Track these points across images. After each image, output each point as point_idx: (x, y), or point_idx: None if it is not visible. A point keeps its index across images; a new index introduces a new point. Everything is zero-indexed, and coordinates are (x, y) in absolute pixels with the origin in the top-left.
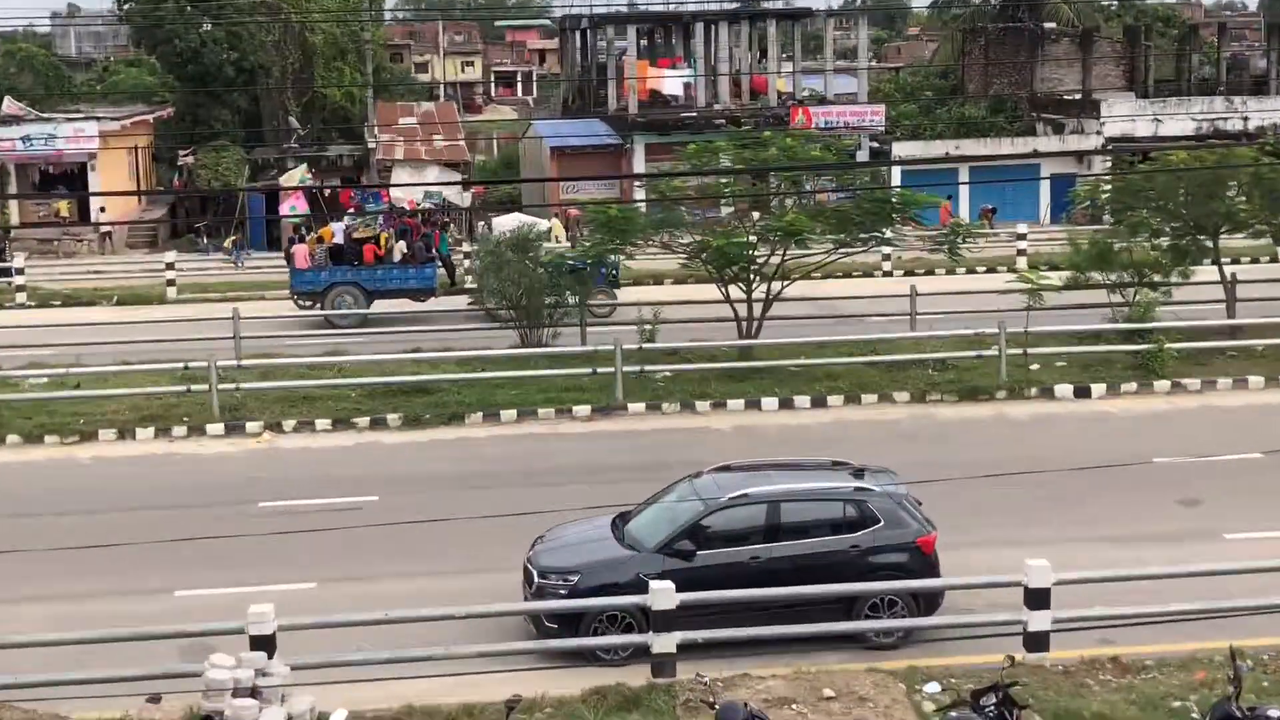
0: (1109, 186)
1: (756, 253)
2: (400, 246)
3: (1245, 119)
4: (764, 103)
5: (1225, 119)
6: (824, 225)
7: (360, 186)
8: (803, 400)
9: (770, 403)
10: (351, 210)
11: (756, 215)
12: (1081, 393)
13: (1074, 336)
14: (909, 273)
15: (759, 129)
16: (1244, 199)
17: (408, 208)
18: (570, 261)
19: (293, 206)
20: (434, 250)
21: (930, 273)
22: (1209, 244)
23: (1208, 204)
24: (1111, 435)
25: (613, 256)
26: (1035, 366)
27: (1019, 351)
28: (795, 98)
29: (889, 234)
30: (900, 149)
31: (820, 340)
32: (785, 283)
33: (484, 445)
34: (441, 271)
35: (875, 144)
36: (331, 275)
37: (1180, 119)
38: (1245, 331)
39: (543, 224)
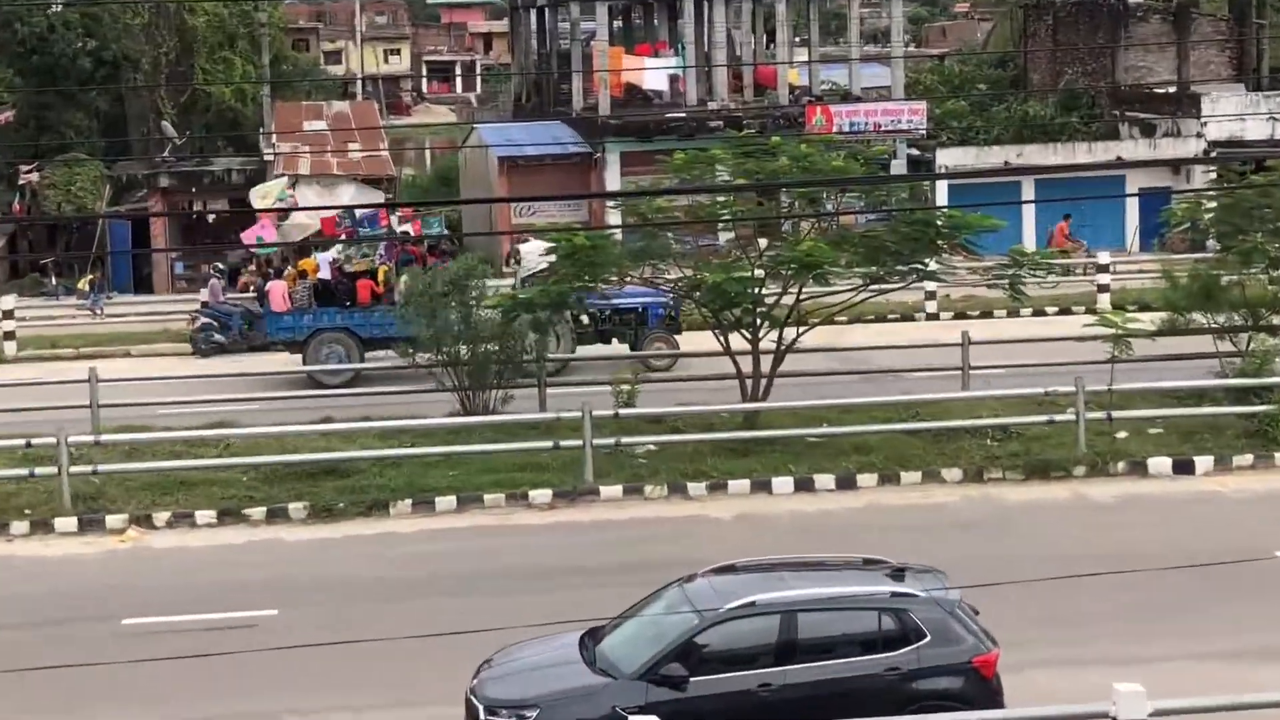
0: (1214, 204)
1: (764, 291)
2: (404, 283)
3: None
4: (772, 100)
5: None
6: (850, 255)
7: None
8: (825, 480)
9: (783, 483)
10: (343, 238)
11: (764, 243)
12: (1182, 468)
13: (1172, 396)
14: (959, 315)
15: (766, 133)
16: None
17: (411, 233)
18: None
19: (259, 238)
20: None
21: (987, 315)
22: None
23: None
24: (1221, 522)
25: (667, 292)
26: (1122, 435)
27: (1101, 416)
28: (812, 93)
29: (933, 266)
30: (946, 157)
31: (847, 403)
32: (802, 329)
33: (414, 542)
34: None
35: (915, 151)
36: (316, 319)
37: None
38: None
39: None
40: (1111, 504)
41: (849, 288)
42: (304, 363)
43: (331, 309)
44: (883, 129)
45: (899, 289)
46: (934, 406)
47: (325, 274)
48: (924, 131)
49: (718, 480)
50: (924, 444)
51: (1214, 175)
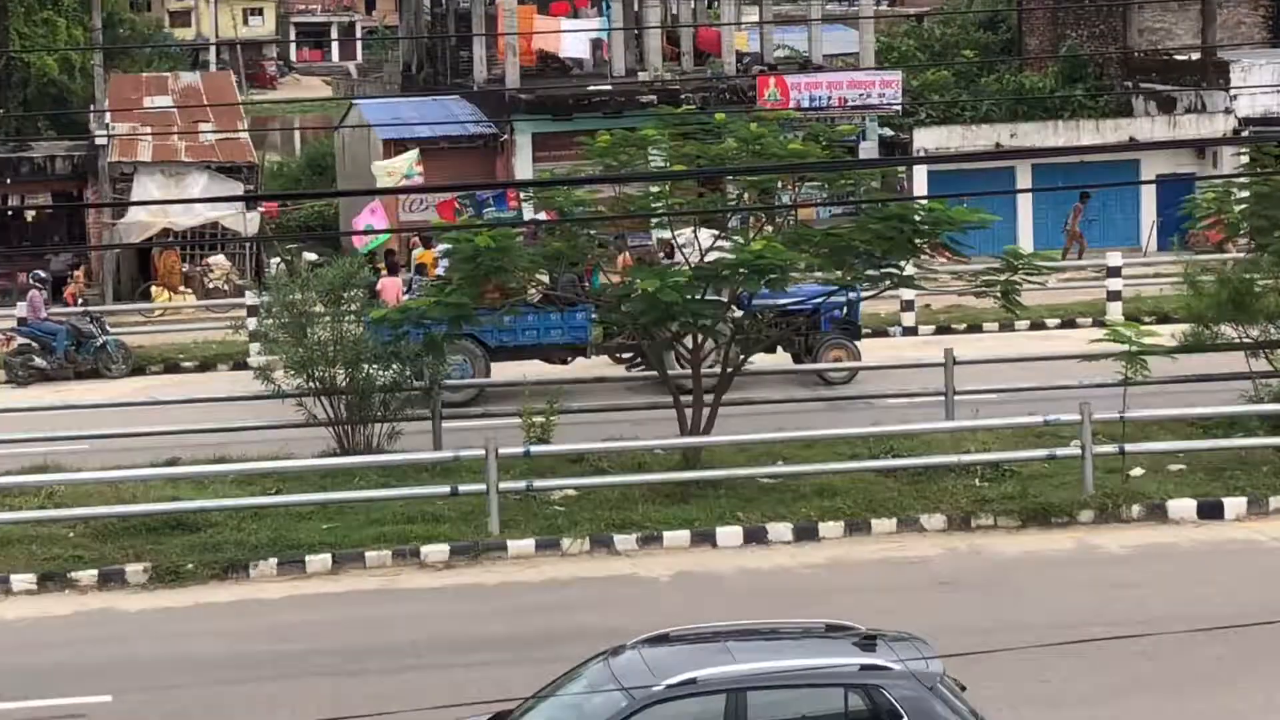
0: (1245, 193)
1: (708, 300)
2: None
3: None
4: (716, 69)
5: None
6: (811, 257)
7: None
8: (781, 530)
9: (730, 534)
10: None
11: (706, 242)
12: (1210, 511)
13: (1196, 425)
14: (943, 330)
15: (708, 109)
16: None
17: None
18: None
19: (368, 225)
20: (585, 285)
21: (975, 329)
22: None
23: None
24: (1257, 576)
25: (849, 291)
26: (1138, 471)
27: (1112, 449)
28: (764, 61)
29: (910, 270)
30: (926, 138)
31: (807, 436)
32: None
33: (281, 611)
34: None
35: (888, 131)
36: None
37: None
38: None
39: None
40: (1125, 556)
41: (806, 300)
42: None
43: None
44: (849, 104)
45: (870, 298)
46: (912, 440)
47: (442, 269)
48: (899, 107)
49: (651, 531)
50: (900, 485)
51: (1246, 159)
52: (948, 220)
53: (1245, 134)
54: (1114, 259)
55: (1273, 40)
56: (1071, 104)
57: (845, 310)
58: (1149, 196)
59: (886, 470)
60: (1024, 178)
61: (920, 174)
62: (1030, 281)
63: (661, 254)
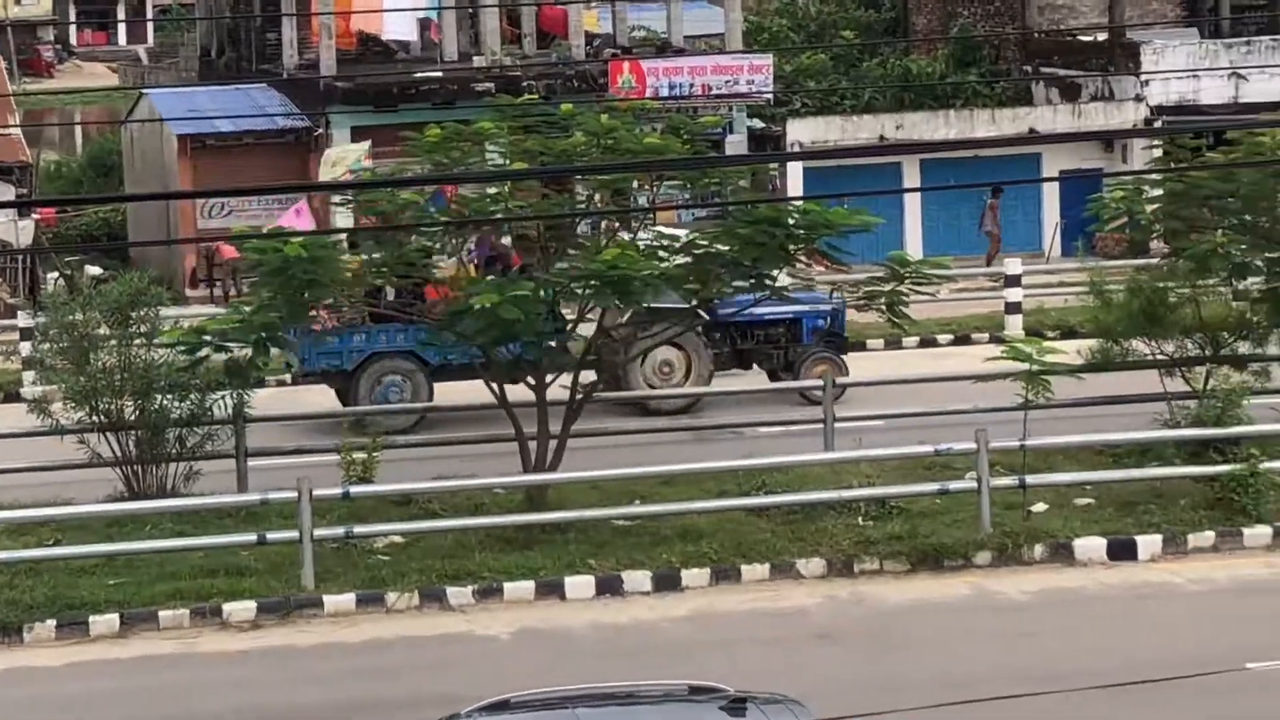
0: (1159, 191)
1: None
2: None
3: None
4: (562, 53)
5: None
6: (673, 267)
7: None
8: (638, 578)
9: (580, 584)
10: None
11: (553, 251)
12: (1121, 550)
13: (1106, 453)
14: None
15: (554, 99)
16: None
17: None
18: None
19: (292, 228)
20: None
21: (858, 347)
22: None
23: None
24: (1174, 624)
25: (831, 297)
26: (1041, 507)
27: (1012, 482)
28: (617, 44)
29: (784, 280)
30: (801, 130)
31: (669, 471)
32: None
33: (61, 680)
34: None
35: (758, 122)
36: (371, 341)
37: (1278, 74)
38: None
39: None
40: (1027, 602)
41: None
42: (351, 399)
43: (391, 327)
44: (714, 92)
45: (739, 312)
46: (787, 474)
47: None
48: (770, 96)
49: (489, 582)
50: (774, 526)
51: (1159, 152)
52: (825, 223)
53: (1158, 124)
54: (1013, 266)
55: (1188, 19)
56: (964, 91)
57: (830, 320)
58: (1052, 195)
59: (758, 509)
60: (911, 174)
61: (794, 171)
62: (919, 292)
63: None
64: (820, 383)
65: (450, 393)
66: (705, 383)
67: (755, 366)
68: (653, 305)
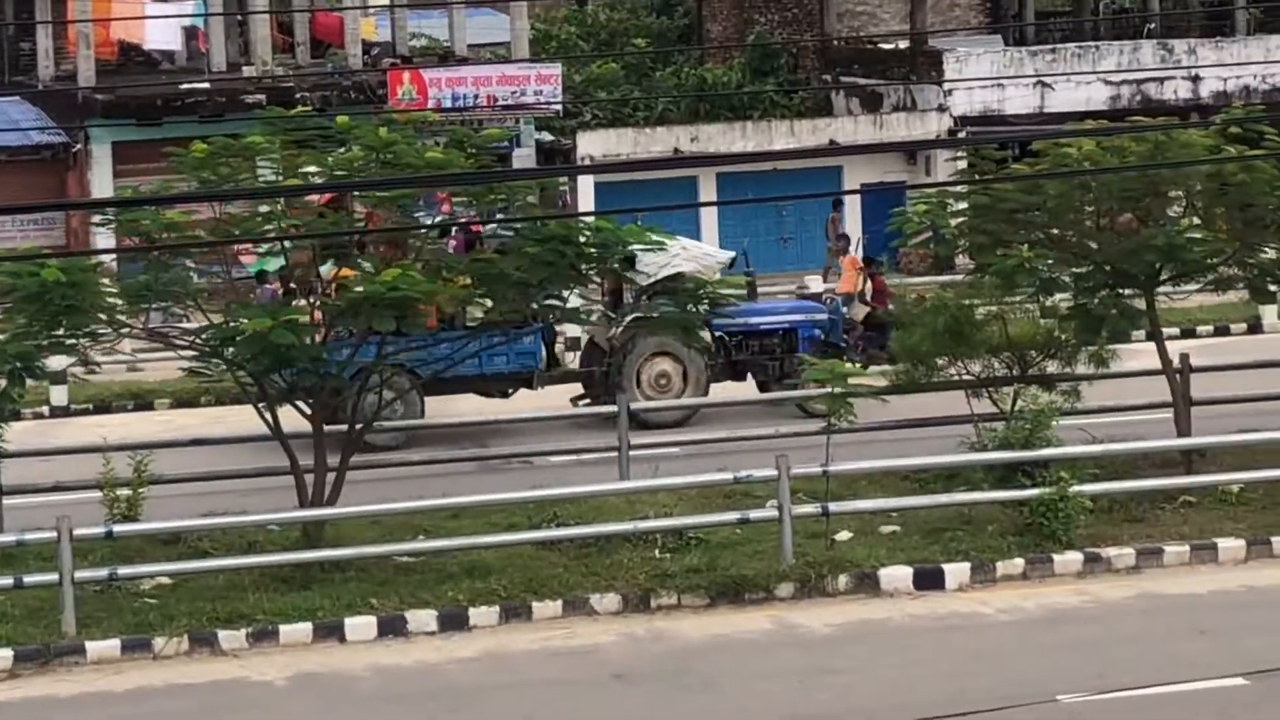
0: (963, 205)
1: (334, 346)
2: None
3: (1195, 79)
4: (338, 63)
5: (1161, 81)
6: (457, 288)
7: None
8: (423, 618)
9: (361, 625)
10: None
11: (329, 272)
12: (928, 579)
13: (912, 478)
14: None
15: (329, 111)
16: (1197, 220)
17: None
18: None
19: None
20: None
21: None
22: (1141, 304)
23: (1135, 233)
24: (983, 655)
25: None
26: (844, 536)
27: (815, 510)
28: (398, 53)
29: (576, 301)
30: (592, 143)
31: (455, 503)
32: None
33: None
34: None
35: (547, 135)
36: (363, 353)
37: (1084, 82)
38: (1209, 458)
39: (723, 255)
40: (831, 636)
41: (457, 335)
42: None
43: (380, 337)
44: (500, 103)
45: (528, 334)
46: (580, 505)
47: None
48: (559, 107)
49: (264, 625)
50: (566, 560)
51: (963, 164)
52: (618, 241)
53: (962, 135)
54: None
55: (991, 26)
56: (762, 102)
57: (826, 330)
58: (853, 209)
59: (549, 542)
60: (708, 188)
61: (586, 186)
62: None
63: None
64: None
65: None
66: (703, 394)
67: (749, 377)
68: (650, 316)
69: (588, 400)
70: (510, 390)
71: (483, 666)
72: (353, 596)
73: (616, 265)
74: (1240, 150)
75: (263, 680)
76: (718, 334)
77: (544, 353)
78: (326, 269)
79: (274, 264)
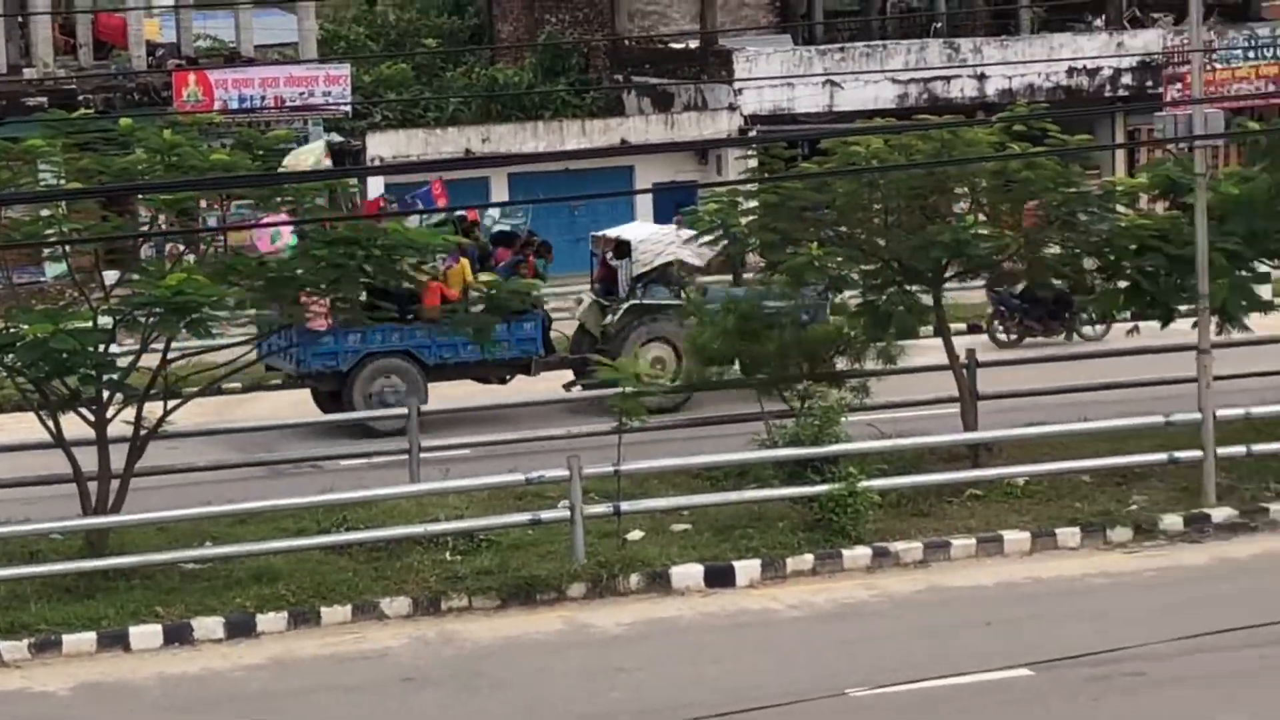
0: (753, 203)
1: (116, 349)
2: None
3: (980, 77)
4: (121, 64)
5: (947, 79)
6: (243, 293)
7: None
8: (210, 625)
9: (147, 634)
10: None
11: (113, 277)
12: (719, 576)
13: (703, 476)
14: None
15: (113, 113)
16: (982, 217)
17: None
18: None
19: (275, 233)
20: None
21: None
22: (928, 299)
23: (922, 229)
24: (774, 651)
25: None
26: (636, 535)
27: (607, 510)
28: (183, 55)
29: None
30: (382, 144)
31: (242, 509)
32: (174, 404)
33: None
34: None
35: (336, 136)
36: (367, 340)
37: (871, 81)
38: (995, 452)
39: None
40: (623, 635)
41: (243, 339)
42: (345, 400)
43: (386, 326)
44: (288, 105)
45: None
46: (369, 509)
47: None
48: (348, 108)
49: (47, 635)
50: (356, 564)
51: (753, 163)
52: (408, 243)
53: (752, 133)
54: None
55: (781, 26)
56: (553, 102)
57: (812, 317)
58: (645, 207)
59: (338, 547)
60: (499, 189)
61: (376, 188)
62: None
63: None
64: None
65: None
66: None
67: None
68: (644, 302)
69: (579, 386)
70: (509, 376)
71: (270, 673)
72: (138, 605)
73: (610, 253)
74: (1024, 147)
75: (45, 691)
76: None
77: (542, 339)
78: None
79: None
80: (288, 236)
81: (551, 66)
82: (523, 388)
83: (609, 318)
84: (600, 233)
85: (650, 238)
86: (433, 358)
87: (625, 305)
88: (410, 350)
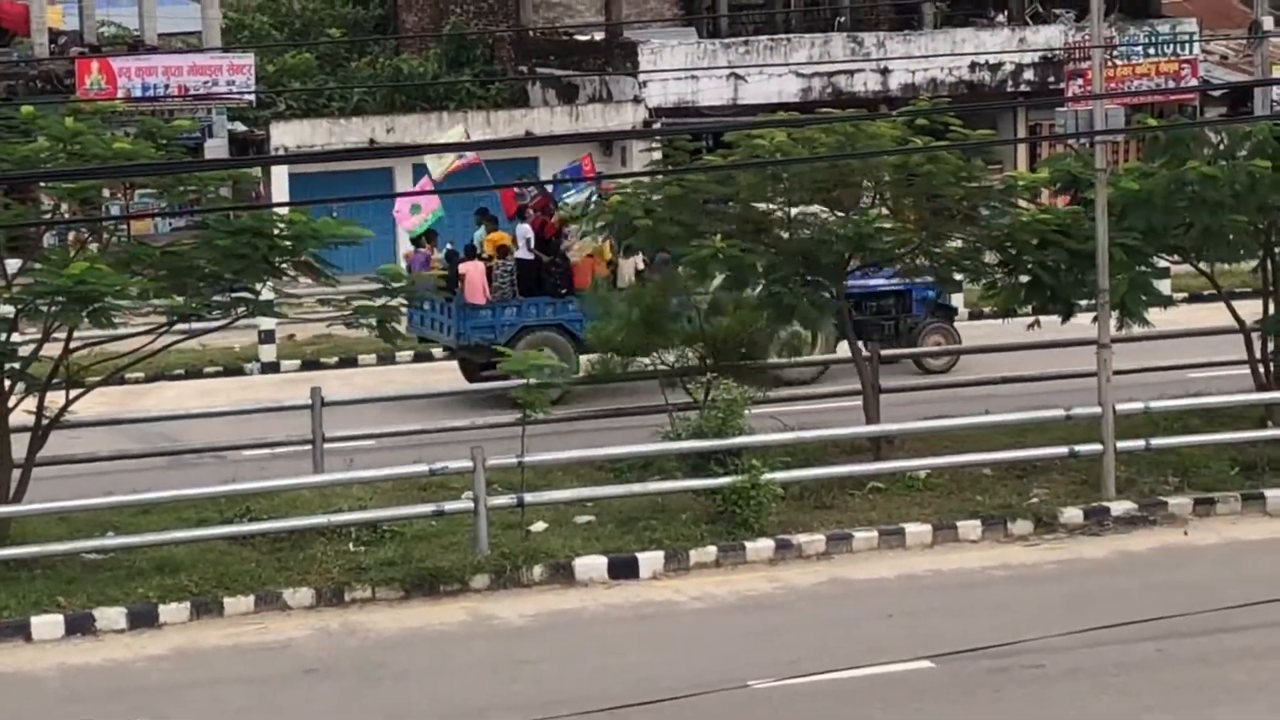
0: (658, 195)
1: (16, 337)
2: (635, 262)
3: (884, 71)
4: (23, 51)
5: (851, 73)
6: (146, 282)
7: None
8: (112, 616)
9: (48, 624)
10: (531, 204)
11: (14, 265)
12: (622, 568)
13: (607, 468)
14: (310, 365)
15: (15, 100)
16: (885, 210)
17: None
18: None
19: (415, 206)
20: None
21: (349, 363)
22: (831, 292)
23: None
24: (677, 643)
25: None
26: (540, 526)
27: (510, 501)
28: (85, 42)
29: (269, 295)
30: (286, 134)
31: (144, 499)
32: (75, 393)
33: None
34: None
35: (240, 125)
36: (523, 314)
37: (776, 74)
38: (897, 445)
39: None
40: (526, 626)
41: (145, 329)
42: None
43: (541, 299)
44: (192, 93)
45: (219, 328)
46: (273, 499)
47: (524, 252)
48: (252, 97)
49: None
50: (259, 555)
51: (658, 155)
52: (312, 234)
53: (656, 126)
54: None
55: (686, 18)
56: (458, 92)
57: (939, 293)
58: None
59: (242, 537)
60: (404, 179)
61: (280, 177)
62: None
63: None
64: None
65: None
66: (833, 351)
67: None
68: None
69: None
70: None
71: (173, 664)
72: (39, 595)
73: None
74: (926, 141)
75: None
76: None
77: None
78: (480, 235)
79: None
80: (428, 211)
81: (456, 57)
82: (429, 379)
83: None
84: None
85: None
86: (584, 331)
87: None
88: (563, 324)
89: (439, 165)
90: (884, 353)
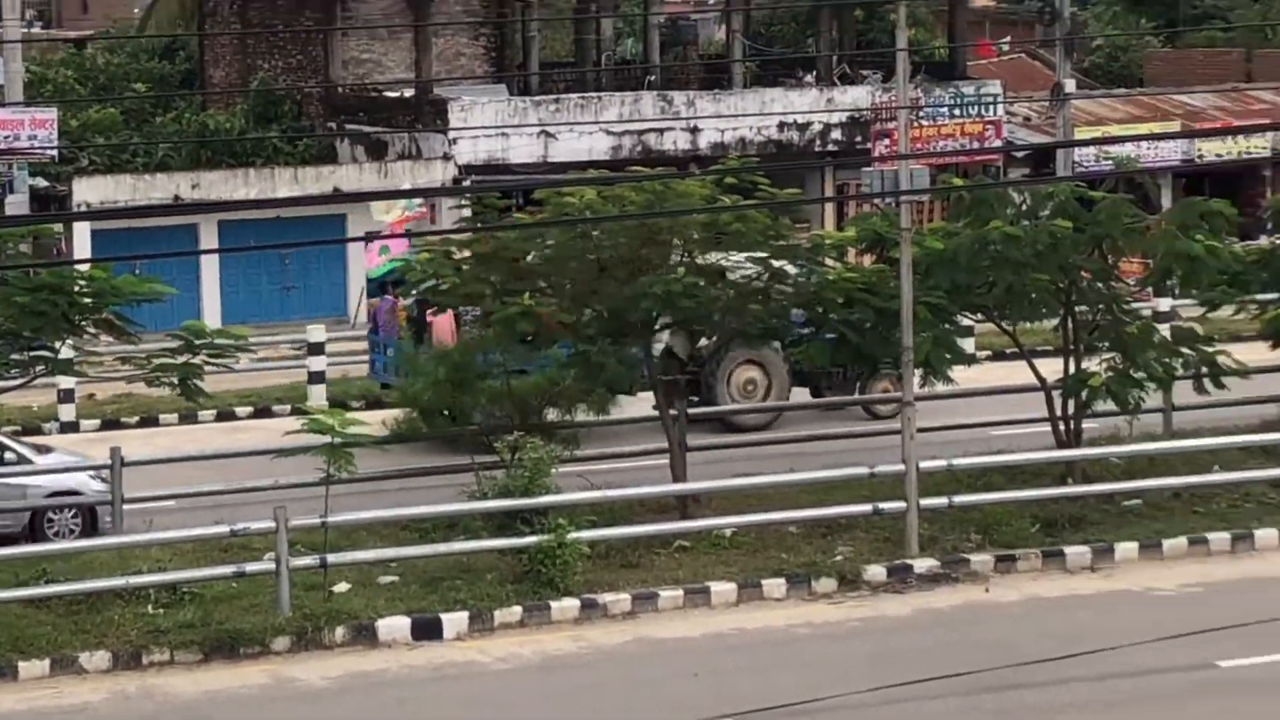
0: (466, 253)
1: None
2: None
3: (694, 130)
4: None
5: (661, 131)
6: None
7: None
8: None
9: None
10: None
11: None
12: (426, 629)
13: (411, 528)
14: (110, 424)
15: None
16: (690, 273)
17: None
18: None
19: (384, 248)
20: None
21: (151, 422)
22: (638, 354)
23: (634, 283)
24: (480, 704)
25: None
26: (343, 587)
27: (313, 562)
28: None
29: (69, 353)
30: (89, 190)
31: None
32: None
33: None
34: None
35: (42, 181)
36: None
37: (586, 132)
38: (704, 503)
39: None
40: (327, 689)
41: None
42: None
43: None
44: None
45: (17, 387)
46: (71, 560)
47: None
48: (55, 152)
49: None
50: (55, 617)
51: (468, 212)
52: (113, 291)
53: (466, 183)
54: (316, 333)
55: (497, 75)
56: (265, 149)
57: None
58: (357, 258)
59: (36, 600)
60: (209, 236)
61: (82, 233)
62: (214, 364)
63: None
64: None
65: None
66: (785, 398)
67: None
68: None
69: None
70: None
71: None
72: None
73: None
74: (735, 199)
75: None
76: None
77: None
78: None
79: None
80: (394, 251)
81: (264, 113)
82: (233, 439)
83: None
84: None
85: None
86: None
87: None
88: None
89: (387, 215)
90: (691, 412)
